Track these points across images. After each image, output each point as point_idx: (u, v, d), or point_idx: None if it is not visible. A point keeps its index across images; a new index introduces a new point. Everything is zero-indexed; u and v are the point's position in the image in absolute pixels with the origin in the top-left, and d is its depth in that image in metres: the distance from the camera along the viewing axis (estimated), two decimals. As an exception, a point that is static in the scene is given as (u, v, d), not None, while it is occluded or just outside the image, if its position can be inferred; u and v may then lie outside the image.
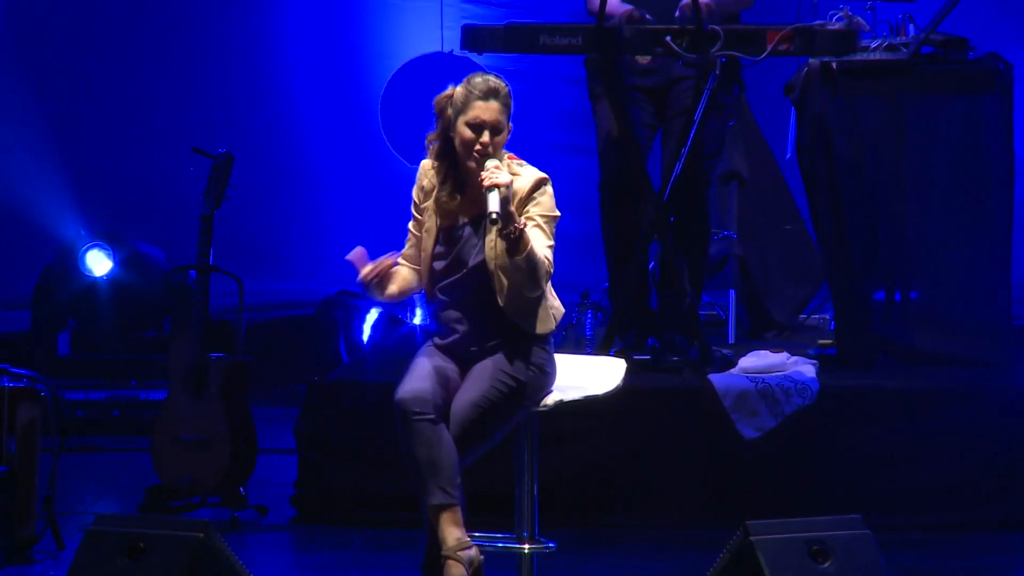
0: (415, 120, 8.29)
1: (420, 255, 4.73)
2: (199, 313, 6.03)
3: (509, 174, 4.52)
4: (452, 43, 8.27)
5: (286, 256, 8.79)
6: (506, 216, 4.44)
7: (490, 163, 4.52)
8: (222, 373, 6.00)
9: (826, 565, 4.29)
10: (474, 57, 6.38)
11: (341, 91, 8.87)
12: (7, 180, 8.71)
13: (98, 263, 7.75)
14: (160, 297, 7.68)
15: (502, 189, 4.43)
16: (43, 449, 5.63)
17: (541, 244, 4.56)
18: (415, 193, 4.74)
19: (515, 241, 4.46)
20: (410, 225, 4.76)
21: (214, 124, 8.66)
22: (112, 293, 7.72)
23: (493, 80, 4.61)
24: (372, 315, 8.31)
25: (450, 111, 4.62)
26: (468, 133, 4.58)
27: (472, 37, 5.93)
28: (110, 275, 7.74)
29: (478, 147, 4.56)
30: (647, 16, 5.90)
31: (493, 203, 4.41)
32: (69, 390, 7.53)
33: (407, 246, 4.77)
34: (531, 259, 4.49)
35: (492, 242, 4.57)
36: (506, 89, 4.62)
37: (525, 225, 4.50)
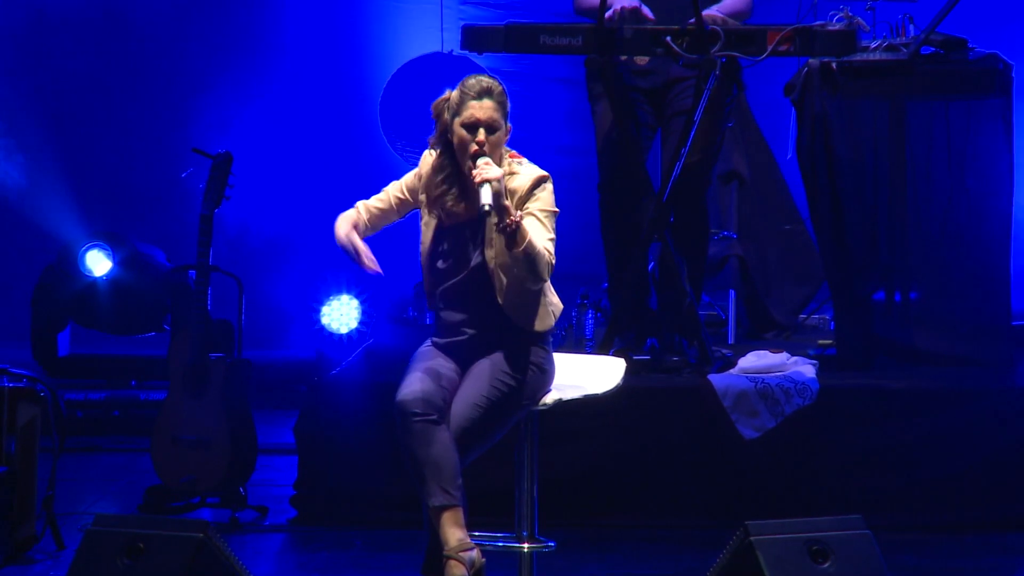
0: (415, 120, 8.29)
1: (387, 218, 4.80)
2: (199, 313, 6.04)
3: (500, 169, 4.53)
4: (452, 43, 8.27)
5: (285, 256, 8.79)
6: (500, 209, 4.45)
7: (481, 160, 4.54)
8: (222, 373, 6.00)
9: (826, 565, 4.29)
10: (474, 57, 6.38)
11: (341, 91, 8.87)
12: (7, 180, 8.71)
13: (98, 263, 7.75)
14: (160, 297, 7.68)
15: (493, 183, 4.45)
16: (43, 449, 5.63)
17: (542, 236, 4.56)
18: (412, 175, 4.76)
19: (512, 234, 4.47)
20: (390, 186, 4.80)
21: (214, 124, 8.67)
22: (112, 293, 7.71)
23: (486, 80, 4.64)
24: (337, 304, 8.32)
25: (446, 114, 4.65)
26: (464, 133, 4.59)
27: (472, 37, 5.93)
28: (110, 275, 7.73)
29: (474, 147, 4.57)
30: (646, 11, 5.90)
31: (485, 196, 4.44)
32: (69, 390, 7.52)
33: (374, 199, 4.83)
34: (530, 251, 4.49)
35: (492, 240, 4.58)
36: (500, 88, 4.65)
37: (522, 218, 4.51)
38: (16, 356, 7.26)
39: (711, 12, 5.93)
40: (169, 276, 7.55)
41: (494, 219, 4.46)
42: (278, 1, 8.92)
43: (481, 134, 4.58)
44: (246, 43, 8.88)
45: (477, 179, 4.48)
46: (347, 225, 4.76)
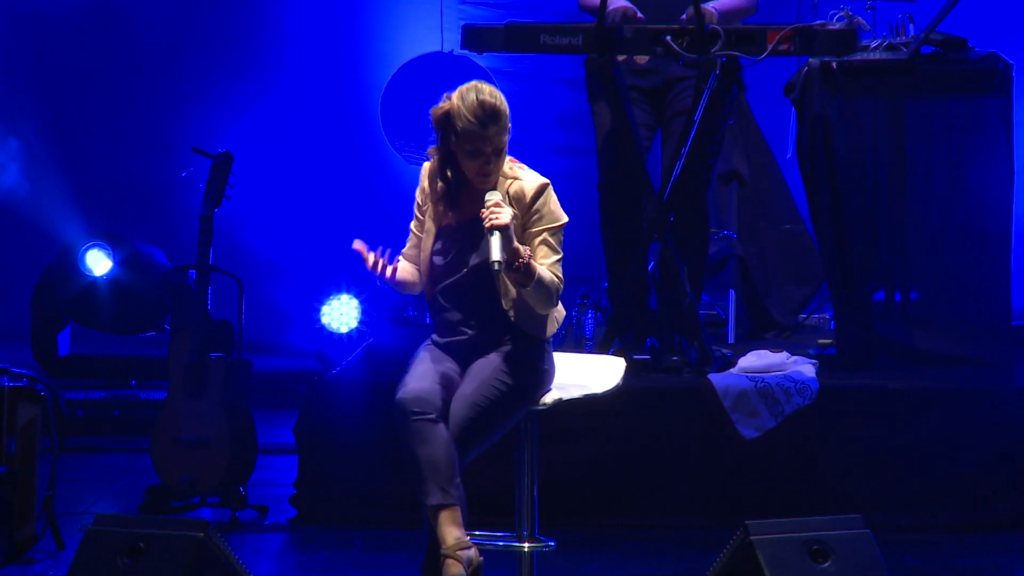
0: (415, 120, 8.29)
1: (421, 255, 4.74)
2: (199, 313, 6.03)
3: (509, 211, 4.48)
4: (452, 43, 8.27)
5: (286, 256, 8.79)
6: (510, 254, 4.43)
7: (490, 198, 4.49)
8: (222, 373, 6.00)
9: (826, 565, 4.29)
10: (474, 57, 6.38)
11: (341, 91, 8.87)
12: (7, 180, 8.71)
13: (98, 263, 7.74)
14: (160, 297, 7.68)
15: (504, 229, 4.41)
16: (43, 449, 5.63)
17: (549, 262, 4.56)
18: (418, 194, 4.74)
19: (522, 274, 4.46)
20: (412, 225, 4.77)
21: (214, 124, 8.67)
22: (112, 293, 7.71)
23: (488, 100, 4.51)
24: (338, 303, 8.32)
25: (447, 128, 4.55)
26: (470, 160, 4.55)
27: (472, 37, 5.93)
28: (110, 275, 7.73)
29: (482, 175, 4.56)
30: (639, 14, 5.91)
31: (495, 251, 4.39)
32: (69, 390, 7.52)
33: (408, 245, 4.77)
34: (540, 285, 4.50)
35: (495, 244, 4.55)
36: (502, 107, 4.53)
37: (530, 257, 4.47)
38: (16, 356, 7.25)
39: (706, 7, 5.90)
40: (169, 276, 7.54)
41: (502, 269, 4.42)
42: (279, 1, 8.93)
43: (488, 160, 4.54)
44: (246, 43, 8.88)
45: (487, 224, 4.43)
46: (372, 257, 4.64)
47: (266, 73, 8.86)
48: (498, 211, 4.44)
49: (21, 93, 8.79)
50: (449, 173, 4.64)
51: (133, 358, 7.92)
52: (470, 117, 4.49)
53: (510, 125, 4.59)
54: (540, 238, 4.58)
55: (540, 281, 4.49)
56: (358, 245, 4.58)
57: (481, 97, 4.52)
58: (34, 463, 5.57)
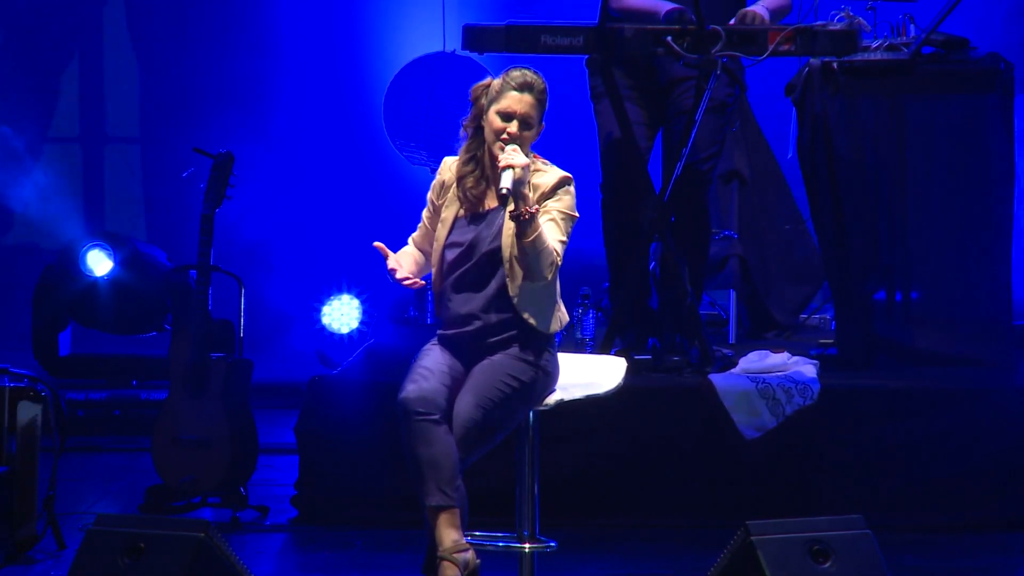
0: (418, 120, 8.28)
1: (431, 243, 4.78)
2: (200, 313, 6.04)
3: (526, 158, 4.57)
4: (454, 43, 8.27)
5: (286, 256, 8.79)
6: (517, 196, 4.48)
7: (509, 147, 4.58)
8: (222, 373, 6.00)
9: (826, 565, 4.29)
10: (475, 57, 6.38)
11: (343, 91, 8.87)
12: (8, 179, 8.71)
13: (98, 263, 7.75)
14: (160, 297, 7.68)
15: (516, 170, 4.48)
16: (44, 449, 5.63)
17: (553, 236, 4.59)
18: (433, 186, 4.79)
19: (525, 224, 4.49)
20: (424, 212, 4.82)
21: (214, 124, 8.67)
22: (112, 293, 7.71)
23: (531, 75, 4.68)
24: (338, 304, 8.33)
25: (484, 100, 4.69)
26: (498, 122, 4.63)
27: (473, 37, 5.93)
28: (110, 275, 7.73)
29: (505, 136, 4.59)
30: (691, 17, 5.87)
31: (506, 180, 4.48)
32: (69, 390, 7.52)
33: (418, 233, 4.83)
34: (538, 245, 4.52)
35: (508, 230, 4.59)
36: (542, 85, 4.68)
37: (537, 211, 4.54)
38: (17, 356, 7.25)
39: (755, 9, 5.92)
40: (170, 276, 7.54)
41: (511, 205, 4.49)
42: (281, 1, 8.93)
43: (514, 125, 4.62)
44: (248, 42, 8.87)
45: (502, 164, 4.52)
46: (393, 260, 4.74)
47: (268, 72, 8.86)
48: (514, 154, 4.54)
49: (23, 93, 8.79)
50: (477, 151, 4.70)
51: (134, 358, 7.92)
52: (509, 80, 4.66)
53: (543, 125, 4.68)
54: (550, 216, 4.64)
55: (539, 240, 4.53)
56: (379, 245, 4.68)
57: (524, 70, 4.70)
58: (35, 463, 5.57)
